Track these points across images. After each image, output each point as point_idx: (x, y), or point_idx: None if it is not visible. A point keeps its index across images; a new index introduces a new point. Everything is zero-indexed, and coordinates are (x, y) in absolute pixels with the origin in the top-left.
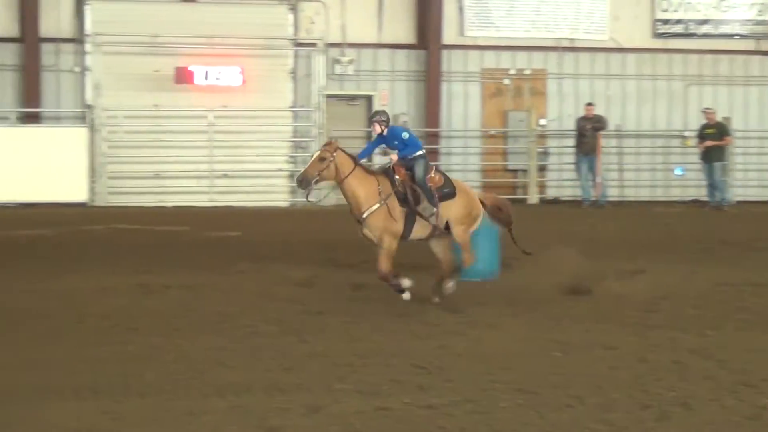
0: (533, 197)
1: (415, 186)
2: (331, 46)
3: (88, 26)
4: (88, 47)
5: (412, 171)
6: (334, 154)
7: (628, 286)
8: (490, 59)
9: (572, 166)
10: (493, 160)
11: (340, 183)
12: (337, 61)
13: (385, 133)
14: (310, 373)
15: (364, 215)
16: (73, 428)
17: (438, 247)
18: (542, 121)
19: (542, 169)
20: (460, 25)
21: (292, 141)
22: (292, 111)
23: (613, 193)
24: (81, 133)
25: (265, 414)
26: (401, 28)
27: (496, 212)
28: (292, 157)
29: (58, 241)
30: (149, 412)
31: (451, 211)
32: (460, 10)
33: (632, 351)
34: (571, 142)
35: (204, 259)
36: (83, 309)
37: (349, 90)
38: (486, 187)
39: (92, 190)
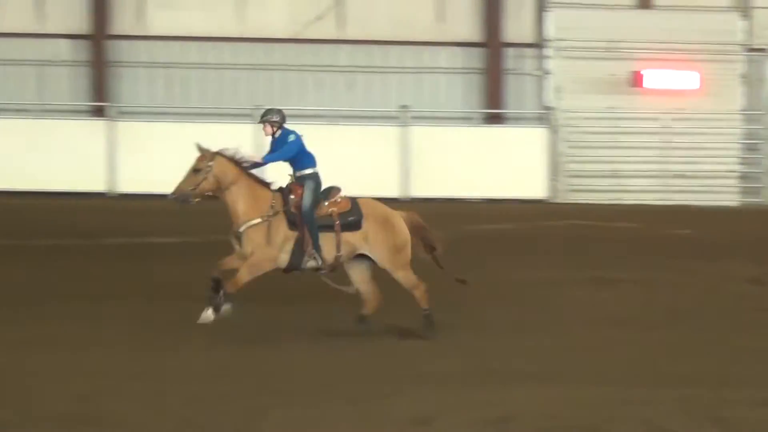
0: None
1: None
2: None
3: (550, 32)
4: (549, 52)
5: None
6: (211, 163)
7: None
8: None
9: None
10: None
11: (221, 195)
12: None
13: (277, 135)
14: (761, 367)
15: (241, 228)
16: (534, 410)
17: (357, 275)
18: None
19: None
20: None
21: (743, 143)
22: (743, 114)
23: None
24: (541, 133)
25: (715, 405)
26: None
27: (418, 234)
28: (742, 158)
29: (519, 235)
30: (602, 399)
31: (368, 245)
32: None
33: None
34: None
35: (656, 255)
36: (545, 302)
37: None
38: None
39: (552, 188)
